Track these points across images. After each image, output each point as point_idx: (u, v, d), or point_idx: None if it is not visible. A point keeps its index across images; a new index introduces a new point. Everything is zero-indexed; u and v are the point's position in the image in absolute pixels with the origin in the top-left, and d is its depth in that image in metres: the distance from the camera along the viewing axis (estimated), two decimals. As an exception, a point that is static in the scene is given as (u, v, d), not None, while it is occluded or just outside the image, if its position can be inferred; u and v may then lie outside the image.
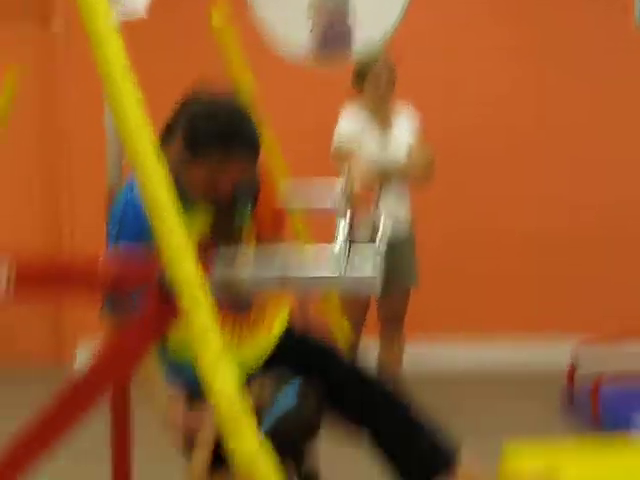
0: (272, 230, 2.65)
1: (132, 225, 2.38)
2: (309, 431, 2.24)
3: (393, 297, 4.76)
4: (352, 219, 2.19)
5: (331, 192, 2.96)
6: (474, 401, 5.45)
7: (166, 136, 2.47)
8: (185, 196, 2.26)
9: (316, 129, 5.14)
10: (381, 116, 4.78)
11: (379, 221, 2.24)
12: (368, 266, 1.88)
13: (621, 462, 2.78)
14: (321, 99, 5.78)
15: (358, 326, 4.71)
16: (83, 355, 6.14)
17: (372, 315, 4.88)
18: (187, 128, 2.41)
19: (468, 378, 5.93)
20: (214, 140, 2.37)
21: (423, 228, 4.94)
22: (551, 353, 5.88)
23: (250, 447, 1.69)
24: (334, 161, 4.63)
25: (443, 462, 2.52)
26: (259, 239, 2.60)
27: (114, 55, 1.71)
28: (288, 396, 2.16)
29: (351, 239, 2.04)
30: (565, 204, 6.17)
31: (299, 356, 2.54)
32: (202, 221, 2.46)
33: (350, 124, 4.72)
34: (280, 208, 2.70)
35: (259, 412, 2.09)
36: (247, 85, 4.30)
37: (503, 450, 2.84)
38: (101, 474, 2.85)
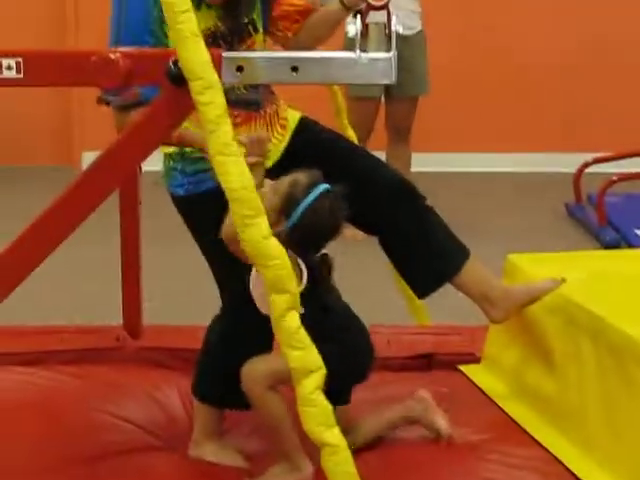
0: (296, 27, 2.56)
1: None
2: (334, 227, 2.24)
3: (401, 103, 4.74)
4: (364, 15, 2.14)
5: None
6: (482, 200, 5.49)
7: None
8: None
9: None
10: None
11: (391, 20, 2.18)
12: (382, 49, 1.86)
13: (627, 269, 2.82)
14: None
15: (365, 136, 4.68)
16: (91, 158, 6.13)
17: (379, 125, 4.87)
18: None
19: (476, 179, 5.95)
20: None
21: (434, 28, 4.86)
22: (560, 162, 5.89)
23: (261, 231, 1.71)
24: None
25: (452, 265, 2.54)
26: (280, 38, 2.53)
27: None
28: (316, 191, 2.14)
29: (362, 39, 2.00)
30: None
31: (318, 152, 2.51)
32: (211, 17, 2.39)
33: None
34: (306, 4, 2.59)
35: (290, 204, 2.10)
36: None
37: (507, 258, 2.90)
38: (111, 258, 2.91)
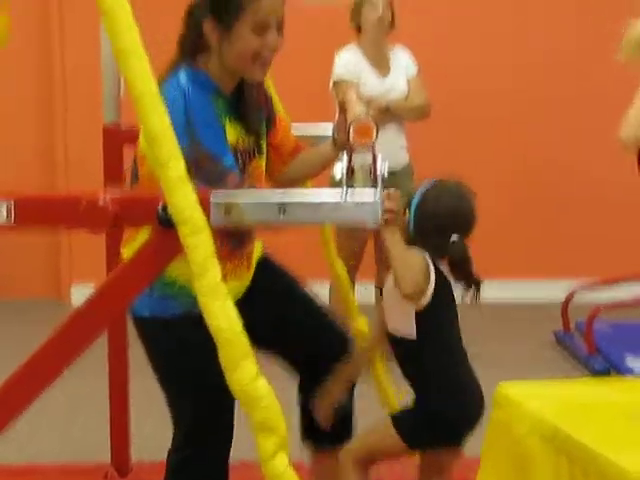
0: (286, 159, 2.63)
1: (200, 109, 2.27)
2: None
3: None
4: (350, 157, 2.20)
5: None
6: (469, 328, 5.48)
7: (192, 41, 2.37)
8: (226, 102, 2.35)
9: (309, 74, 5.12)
10: (379, 56, 4.79)
11: (377, 161, 2.24)
12: (369, 193, 1.89)
13: (615, 398, 2.83)
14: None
15: (354, 270, 4.71)
16: (80, 291, 6.15)
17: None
18: (212, 3, 2.31)
19: (463, 307, 5.95)
20: None
21: (420, 162, 4.94)
22: (546, 290, 5.91)
23: (249, 372, 1.71)
24: (334, 93, 4.65)
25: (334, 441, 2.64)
26: (272, 171, 2.59)
27: None
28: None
29: (349, 179, 2.06)
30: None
31: (272, 301, 2.59)
32: (235, 131, 2.40)
33: (349, 60, 4.72)
34: (294, 140, 2.67)
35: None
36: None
37: (497, 387, 2.91)
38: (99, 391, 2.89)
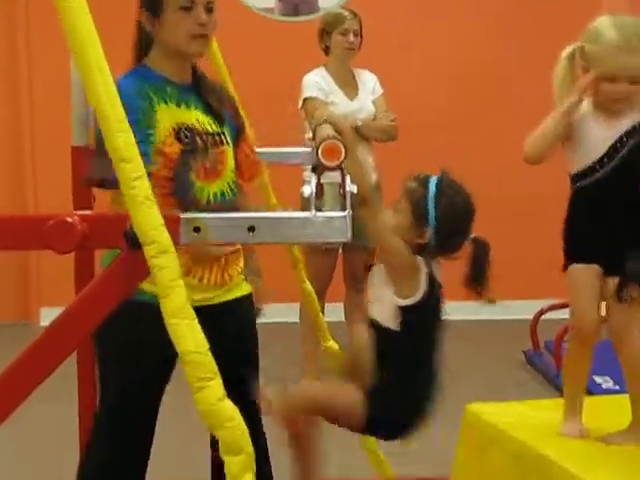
0: (247, 177, 2.71)
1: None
2: (468, 202, 2.40)
3: (359, 252, 4.80)
4: (319, 177, 2.20)
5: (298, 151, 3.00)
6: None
7: (139, 43, 2.57)
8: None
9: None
10: (347, 78, 4.85)
11: (345, 180, 2.25)
12: (338, 208, 1.90)
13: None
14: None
15: (323, 289, 4.72)
16: (49, 315, 6.11)
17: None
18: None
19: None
20: None
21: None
22: (516, 309, 5.93)
23: (215, 393, 1.70)
24: (302, 112, 4.69)
25: None
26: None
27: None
28: (432, 182, 2.35)
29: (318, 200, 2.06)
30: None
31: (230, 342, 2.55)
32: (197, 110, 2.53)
33: (319, 81, 4.76)
34: (257, 159, 2.72)
35: (419, 207, 2.30)
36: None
37: (465, 409, 2.93)
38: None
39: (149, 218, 1.75)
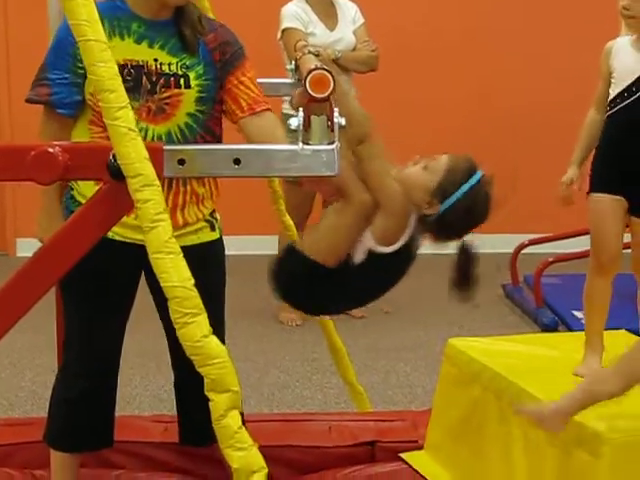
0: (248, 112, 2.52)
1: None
2: (485, 215, 2.27)
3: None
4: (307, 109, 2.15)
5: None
6: (417, 282, 5.51)
7: None
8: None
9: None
10: (326, 8, 4.78)
11: (333, 112, 2.19)
12: (325, 141, 1.86)
13: (558, 352, 2.89)
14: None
15: (303, 220, 4.67)
16: (25, 245, 6.07)
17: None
18: None
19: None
20: None
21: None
22: (496, 243, 5.93)
23: (201, 330, 1.68)
24: (281, 43, 4.62)
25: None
26: (228, 116, 2.54)
27: None
28: (476, 177, 2.16)
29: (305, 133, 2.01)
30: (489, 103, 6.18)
31: None
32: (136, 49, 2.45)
33: (297, 11, 4.69)
34: (257, 96, 2.54)
35: (448, 187, 2.12)
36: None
37: (446, 343, 2.95)
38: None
39: (133, 150, 1.71)
